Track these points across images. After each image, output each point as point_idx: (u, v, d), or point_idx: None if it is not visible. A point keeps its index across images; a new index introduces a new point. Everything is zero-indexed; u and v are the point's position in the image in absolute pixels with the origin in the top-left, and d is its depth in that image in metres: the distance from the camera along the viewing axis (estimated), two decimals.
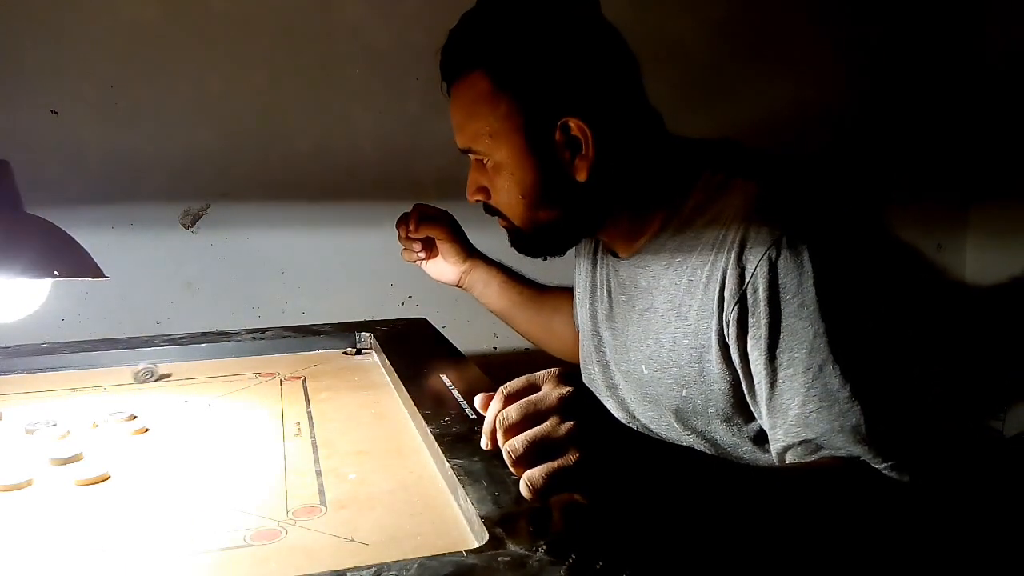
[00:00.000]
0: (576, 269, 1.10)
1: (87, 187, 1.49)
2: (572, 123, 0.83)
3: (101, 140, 1.50)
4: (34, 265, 0.81)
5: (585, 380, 1.05)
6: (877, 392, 0.74)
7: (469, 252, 1.22)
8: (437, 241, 1.20)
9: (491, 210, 0.93)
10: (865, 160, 1.94)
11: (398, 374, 1.04)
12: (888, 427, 0.74)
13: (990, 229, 2.02)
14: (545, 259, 0.95)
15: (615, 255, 0.96)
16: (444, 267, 1.22)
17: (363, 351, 1.26)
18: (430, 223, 1.19)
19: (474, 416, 0.86)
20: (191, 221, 1.58)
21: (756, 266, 0.76)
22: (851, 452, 0.73)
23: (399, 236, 1.21)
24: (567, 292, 1.21)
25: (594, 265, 1.03)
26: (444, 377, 1.01)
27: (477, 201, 0.93)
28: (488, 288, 1.23)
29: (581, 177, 0.85)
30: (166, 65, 1.51)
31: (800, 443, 0.75)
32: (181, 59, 1.52)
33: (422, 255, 1.21)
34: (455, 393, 0.95)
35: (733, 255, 0.78)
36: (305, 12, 1.57)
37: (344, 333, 1.28)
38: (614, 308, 0.98)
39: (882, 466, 0.73)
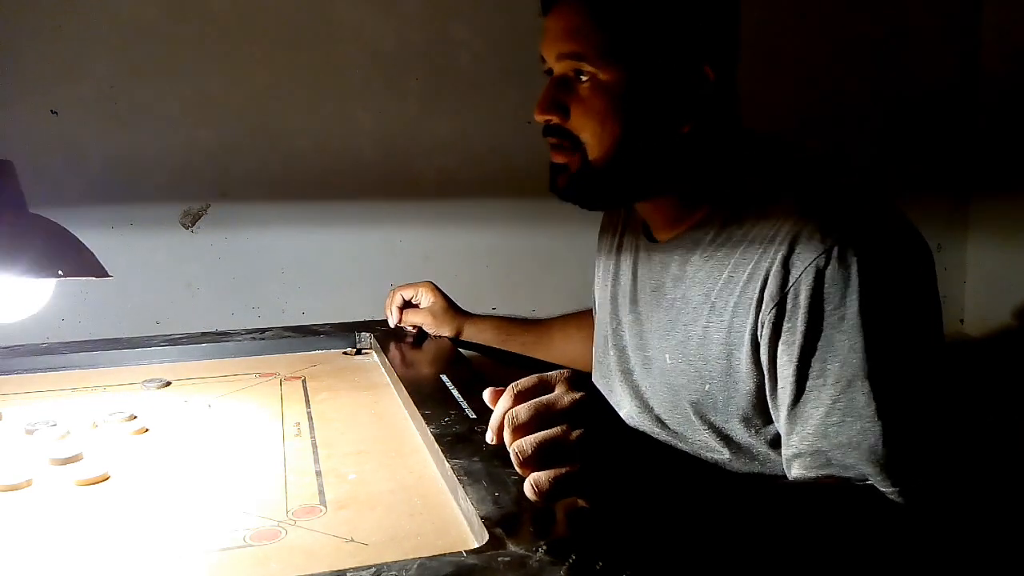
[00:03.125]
0: (597, 253, 1.10)
1: (87, 187, 1.49)
2: (710, 72, 0.82)
3: (101, 140, 1.50)
4: (38, 264, 0.80)
5: (598, 365, 1.05)
6: (903, 416, 0.72)
7: (461, 319, 1.27)
8: (424, 327, 1.27)
9: (558, 132, 0.85)
10: (864, 160, 1.94)
11: (398, 374, 1.04)
12: (906, 453, 0.72)
13: (991, 229, 2.01)
14: (589, 209, 0.90)
15: (649, 239, 0.95)
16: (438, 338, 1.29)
17: (363, 351, 1.26)
18: (412, 312, 1.28)
19: (474, 416, 0.86)
20: (191, 221, 1.57)
21: (802, 272, 0.74)
22: (860, 471, 0.72)
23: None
24: (571, 317, 1.22)
25: (619, 249, 1.01)
26: (444, 377, 1.01)
27: (547, 120, 0.85)
28: (489, 345, 1.28)
29: (686, 128, 0.83)
30: (166, 65, 1.51)
31: (812, 453, 0.74)
32: (181, 59, 1.52)
33: (415, 333, 1.29)
34: (455, 393, 0.95)
35: (780, 256, 0.76)
36: (305, 12, 1.57)
37: (344, 333, 1.28)
38: (639, 294, 0.95)
39: (889, 490, 0.72)
